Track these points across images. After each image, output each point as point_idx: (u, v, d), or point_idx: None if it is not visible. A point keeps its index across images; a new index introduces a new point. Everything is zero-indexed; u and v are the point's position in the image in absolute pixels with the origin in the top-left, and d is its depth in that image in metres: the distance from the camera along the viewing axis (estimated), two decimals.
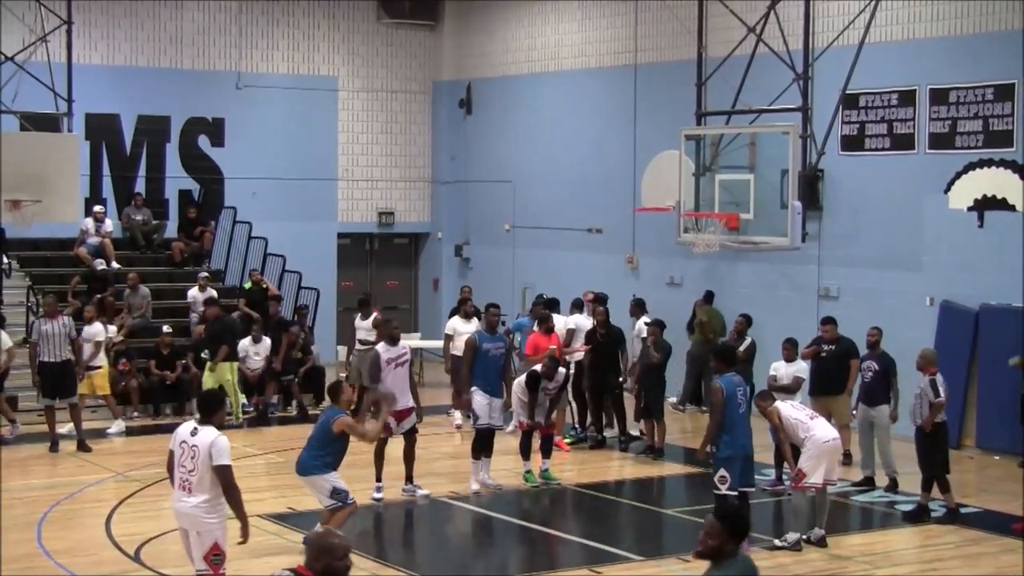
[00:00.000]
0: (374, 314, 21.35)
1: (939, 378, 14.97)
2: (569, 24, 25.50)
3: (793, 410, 14.09)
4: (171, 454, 10.51)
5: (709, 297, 21.82)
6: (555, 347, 18.03)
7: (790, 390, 16.18)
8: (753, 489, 13.58)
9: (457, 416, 20.35)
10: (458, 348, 18.61)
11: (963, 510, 15.31)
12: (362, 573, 12.43)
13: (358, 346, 21.04)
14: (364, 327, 21.14)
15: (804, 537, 13.70)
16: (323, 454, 12.83)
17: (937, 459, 14.90)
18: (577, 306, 19.84)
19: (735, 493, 13.19)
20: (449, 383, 22.31)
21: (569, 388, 18.66)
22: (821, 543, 13.70)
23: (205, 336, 20.79)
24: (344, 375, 21.67)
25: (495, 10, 27.16)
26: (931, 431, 14.84)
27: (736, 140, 19.06)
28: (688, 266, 22.54)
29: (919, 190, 19.47)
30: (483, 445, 15.90)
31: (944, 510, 14.98)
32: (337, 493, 12.79)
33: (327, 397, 14.14)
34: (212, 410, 10.46)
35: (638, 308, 20.22)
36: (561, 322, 19.20)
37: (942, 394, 14.80)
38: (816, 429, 13.80)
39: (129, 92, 25.27)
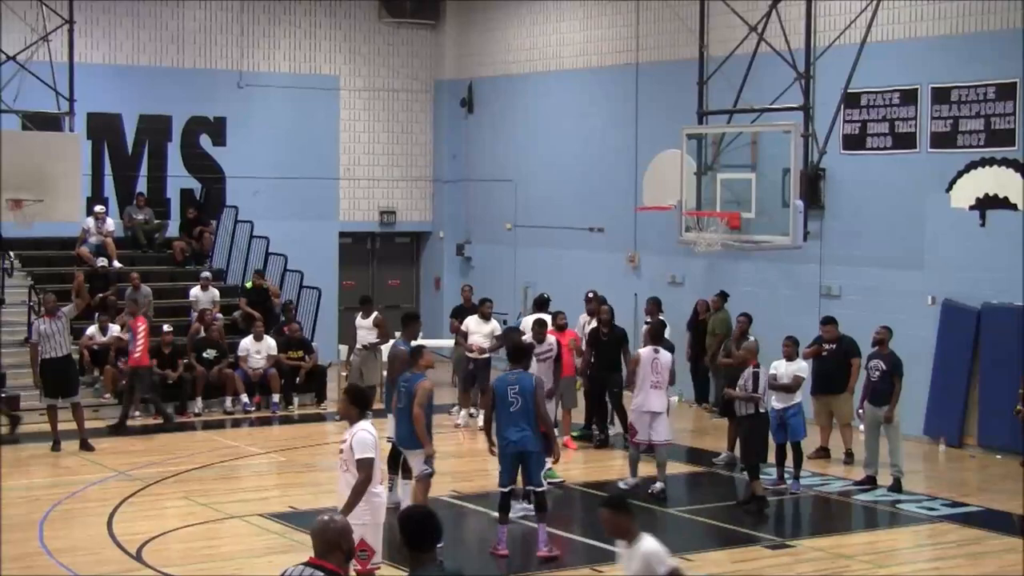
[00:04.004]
0: (375, 313, 21.36)
1: (762, 371, 15.52)
2: (571, 23, 25.50)
3: (650, 364, 15.66)
4: None
5: (724, 296, 21.49)
6: (575, 339, 18.24)
7: (790, 389, 16.17)
8: (541, 488, 13.34)
9: (461, 415, 20.38)
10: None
11: (965, 509, 15.33)
12: None
13: (358, 345, 21.04)
14: (365, 326, 21.14)
15: (650, 491, 15.58)
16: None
17: (756, 448, 15.43)
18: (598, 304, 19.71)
19: (506, 490, 13.38)
20: (451, 383, 22.38)
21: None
22: (660, 495, 15.52)
23: None
24: (345, 374, 21.73)
25: (496, 9, 27.16)
26: (753, 422, 15.37)
27: (738, 139, 19.05)
28: (690, 265, 22.53)
29: (921, 189, 19.47)
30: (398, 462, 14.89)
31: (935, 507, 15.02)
32: (429, 459, 13.23)
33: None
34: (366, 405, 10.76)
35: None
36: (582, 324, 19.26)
37: (760, 388, 15.36)
38: (640, 396, 15.71)
39: (131, 91, 25.28)
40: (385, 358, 21.65)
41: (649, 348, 15.93)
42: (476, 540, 14.57)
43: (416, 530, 6.82)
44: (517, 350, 13.90)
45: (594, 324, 19.00)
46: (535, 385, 13.19)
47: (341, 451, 10.59)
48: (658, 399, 15.73)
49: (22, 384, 20.28)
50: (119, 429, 19.73)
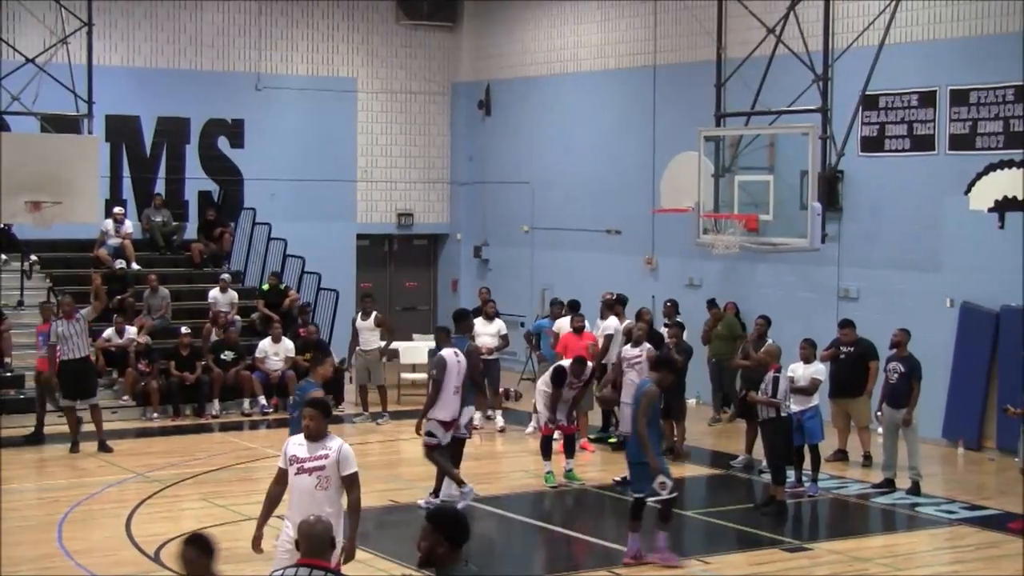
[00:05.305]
0: (374, 313, 21.35)
1: (783, 374, 15.43)
2: (588, 25, 25.49)
3: (630, 361, 16.79)
4: None
5: (713, 303, 21.49)
6: (592, 343, 18.20)
7: (807, 392, 16.13)
8: (637, 495, 13.05)
9: (476, 417, 20.36)
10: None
11: (983, 512, 15.28)
12: (380, 573, 12.46)
13: (359, 348, 21.03)
14: (366, 327, 21.12)
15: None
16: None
17: (779, 452, 15.30)
18: (608, 307, 19.64)
19: (639, 495, 13.10)
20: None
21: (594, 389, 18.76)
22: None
23: None
24: (350, 376, 21.79)
25: (514, 11, 27.17)
26: (775, 426, 15.23)
27: (755, 141, 19.04)
28: (707, 267, 22.50)
29: (939, 191, 19.41)
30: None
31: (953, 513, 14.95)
32: None
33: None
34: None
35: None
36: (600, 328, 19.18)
37: (781, 392, 15.21)
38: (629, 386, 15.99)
39: (149, 93, 25.33)
40: (406, 359, 21.83)
41: (627, 352, 17.14)
42: (488, 542, 14.57)
43: (456, 525, 6.78)
44: (658, 360, 14.15)
45: (611, 328, 18.96)
46: (641, 395, 13.06)
47: (315, 468, 9.67)
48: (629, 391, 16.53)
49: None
50: (37, 438, 18.98)
